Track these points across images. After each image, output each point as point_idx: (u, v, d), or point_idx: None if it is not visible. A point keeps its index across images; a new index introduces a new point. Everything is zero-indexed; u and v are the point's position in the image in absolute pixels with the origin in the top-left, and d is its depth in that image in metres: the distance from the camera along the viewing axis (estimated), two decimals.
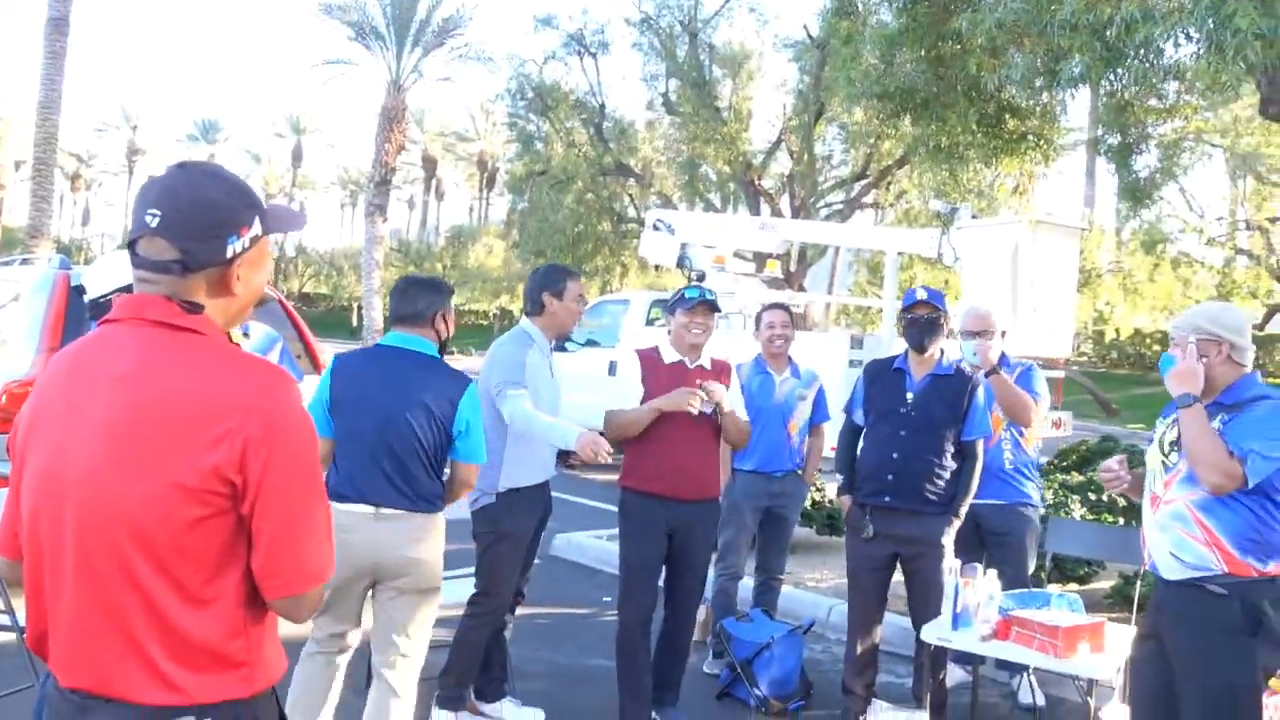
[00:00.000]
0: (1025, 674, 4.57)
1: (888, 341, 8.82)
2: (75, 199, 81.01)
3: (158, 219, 1.53)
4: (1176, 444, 3.01)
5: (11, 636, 3.59)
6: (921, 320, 4.19)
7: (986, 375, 4.43)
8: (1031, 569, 4.76)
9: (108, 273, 3.11)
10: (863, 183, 20.27)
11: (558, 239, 20.77)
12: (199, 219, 1.54)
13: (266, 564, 1.52)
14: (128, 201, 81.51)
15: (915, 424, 4.15)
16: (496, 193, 61.76)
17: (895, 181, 19.57)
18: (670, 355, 4.19)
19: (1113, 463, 3.30)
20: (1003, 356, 4.65)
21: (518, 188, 23.75)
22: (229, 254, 1.56)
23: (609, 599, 6.19)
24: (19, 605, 3.22)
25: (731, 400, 4.15)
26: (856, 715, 4.29)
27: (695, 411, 3.91)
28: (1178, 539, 2.98)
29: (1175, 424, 3.02)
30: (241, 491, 1.49)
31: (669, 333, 4.24)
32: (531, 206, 22.41)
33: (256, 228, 1.60)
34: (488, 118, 61.32)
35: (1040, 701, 4.65)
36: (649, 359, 4.19)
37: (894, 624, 4.89)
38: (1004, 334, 4.75)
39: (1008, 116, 8.24)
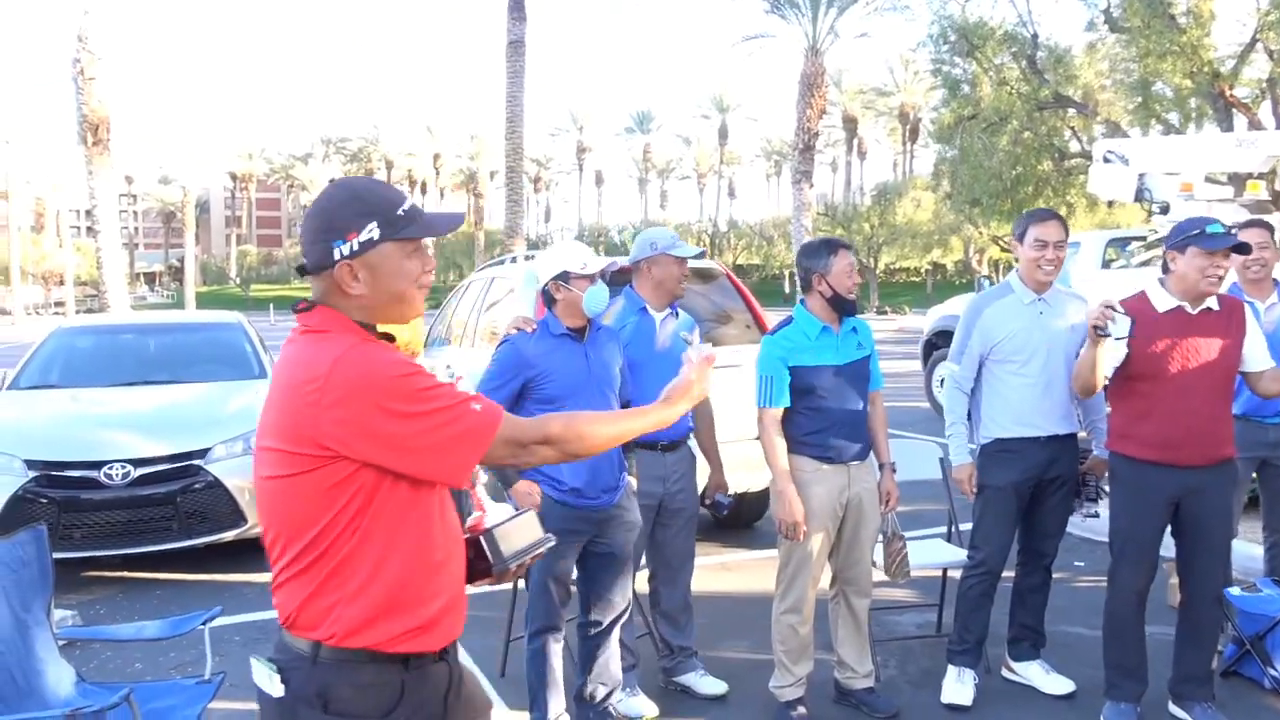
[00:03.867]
0: None
1: None
2: (538, 199, 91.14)
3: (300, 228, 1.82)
4: None
5: None
6: None
7: None
8: None
9: (549, 263, 3.60)
10: None
11: (993, 185, 19.68)
12: (309, 226, 1.76)
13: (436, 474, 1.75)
14: (580, 196, 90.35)
15: None
16: (920, 144, 59.98)
17: None
18: (1165, 301, 3.54)
19: None
20: None
21: (945, 136, 22.76)
22: (335, 257, 1.73)
23: (1080, 563, 5.81)
24: None
25: (1254, 342, 3.62)
26: None
27: (1105, 329, 3.35)
28: None
29: None
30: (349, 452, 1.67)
31: (1160, 275, 3.65)
32: (962, 154, 21.39)
33: (370, 233, 1.73)
34: (907, 68, 59.63)
35: None
36: (1140, 309, 3.54)
37: None
38: None
39: None
